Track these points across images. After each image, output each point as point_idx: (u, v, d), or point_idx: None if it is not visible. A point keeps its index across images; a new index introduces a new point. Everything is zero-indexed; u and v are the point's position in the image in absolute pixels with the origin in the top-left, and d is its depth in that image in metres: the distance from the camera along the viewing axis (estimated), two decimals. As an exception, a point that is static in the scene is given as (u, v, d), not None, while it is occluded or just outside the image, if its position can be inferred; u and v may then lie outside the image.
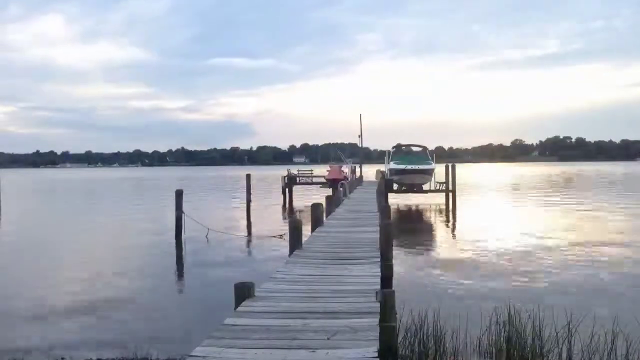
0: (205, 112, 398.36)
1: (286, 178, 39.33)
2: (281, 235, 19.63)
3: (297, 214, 29.48)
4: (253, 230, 23.58)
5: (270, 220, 27.22)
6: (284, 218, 28.58)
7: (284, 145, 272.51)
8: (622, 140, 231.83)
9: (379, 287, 7.11)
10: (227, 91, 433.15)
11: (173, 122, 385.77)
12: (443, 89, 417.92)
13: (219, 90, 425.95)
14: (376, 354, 4.61)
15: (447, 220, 27.60)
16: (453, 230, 24.07)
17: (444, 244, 19.64)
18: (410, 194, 36.52)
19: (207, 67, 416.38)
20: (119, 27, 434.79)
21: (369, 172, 50.25)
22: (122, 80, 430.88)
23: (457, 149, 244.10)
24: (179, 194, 20.90)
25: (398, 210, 31.60)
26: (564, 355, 7.18)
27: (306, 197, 37.71)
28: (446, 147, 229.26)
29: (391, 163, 37.76)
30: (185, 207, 20.92)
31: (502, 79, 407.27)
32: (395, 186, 36.01)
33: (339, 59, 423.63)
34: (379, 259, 9.33)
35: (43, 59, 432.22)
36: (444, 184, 33.33)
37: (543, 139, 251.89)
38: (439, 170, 34.93)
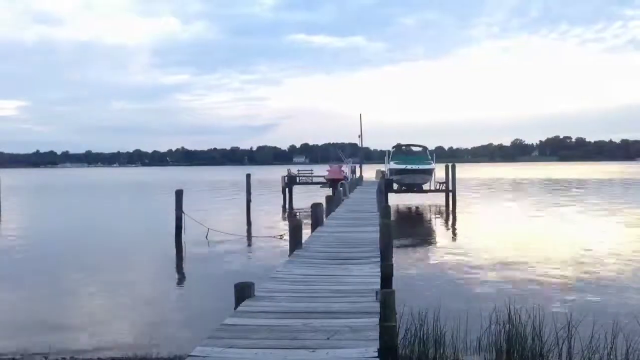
0: (238, 109, 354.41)
1: (286, 178, 39.30)
2: (281, 235, 19.62)
3: (297, 213, 29.48)
4: (253, 230, 23.56)
5: (270, 220, 27.22)
6: (284, 218, 28.59)
7: (283, 145, 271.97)
8: (622, 140, 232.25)
9: (378, 287, 7.11)
10: (283, 80, 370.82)
11: (194, 121, 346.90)
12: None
13: (275, 80, 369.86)
14: (376, 354, 4.61)
15: (447, 220, 27.61)
16: (453, 230, 24.07)
17: (444, 244, 19.62)
18: (410, 194, 36.51)
19: (280, 48, 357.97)
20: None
21: (369, 172, 50.24)
22: (171, 65, 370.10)
23: (457, 149, 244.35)
24: (178, 194, 20.89)
25: (398, 210, 31.59)
26: (564, 355, 7.18)
27: (306, 197, 37.71)
28: (446, 147, 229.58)
29: (391, 163, 37.74)
30: (185, 206, 20.91)
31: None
32: (395, 186, 35.99)
33: (439, 36, 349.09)
34: (379, 259, 9.33)
35: (87, 36, 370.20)
36: (444, 184, 33.33)
37: (543, 139, 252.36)
38: (439, 170, 34.93)
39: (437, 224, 26.66)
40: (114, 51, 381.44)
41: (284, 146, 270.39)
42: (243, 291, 6.40)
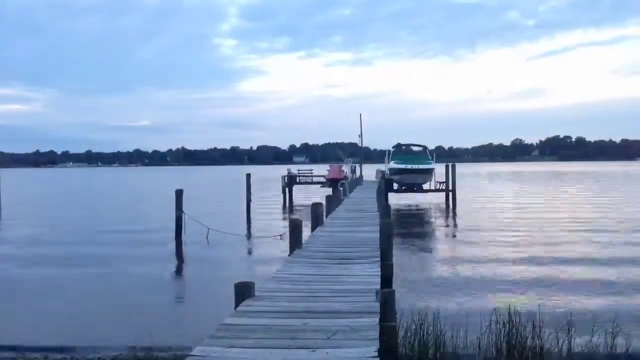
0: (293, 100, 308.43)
1: (286, 178, 39.28)
2: (281, 235, 19.61)
3: (297, 213, 29.46)
4: (253, 230, 23.56)
5: (270, 220, 27.21)
6: (284, 218, 28.58)
7: (284, 145, 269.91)
8: (622, 140, 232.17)
9: (378, 286, 7.11)
10: (373, 62, 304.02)
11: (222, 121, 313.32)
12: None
13: (364, 61, 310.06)
14: (376, 354, 4.61)
15: (447, 220, 27.60)
16: (453, 230, 24.05)
17: (444, 244, 19.63)
18: (410, 194, 36.50)
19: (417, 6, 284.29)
20: None
21: (369, 172, 50.23)
22: (261, 35, 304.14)
23: (457, 148, 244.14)
24: (178, 194, 20.88)
25: (398, 210, 31.58)
26: (564, 355, 7.18)
27: (306, 197, 37.69)
28: (446, 147, 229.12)
29: (391, 163, 37.76)
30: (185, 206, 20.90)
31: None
32: (395, 186, 36.00)
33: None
34: (378, 259, 9.32)
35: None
36: (444, 184, 33.33)
37: (543, 139, 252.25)
38: (439, 170, 34.95)
39: (437, 224, 26.64)
40: (195, 13, 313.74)
41: (284, 146, 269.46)
42: (243, 291, 6.40)
